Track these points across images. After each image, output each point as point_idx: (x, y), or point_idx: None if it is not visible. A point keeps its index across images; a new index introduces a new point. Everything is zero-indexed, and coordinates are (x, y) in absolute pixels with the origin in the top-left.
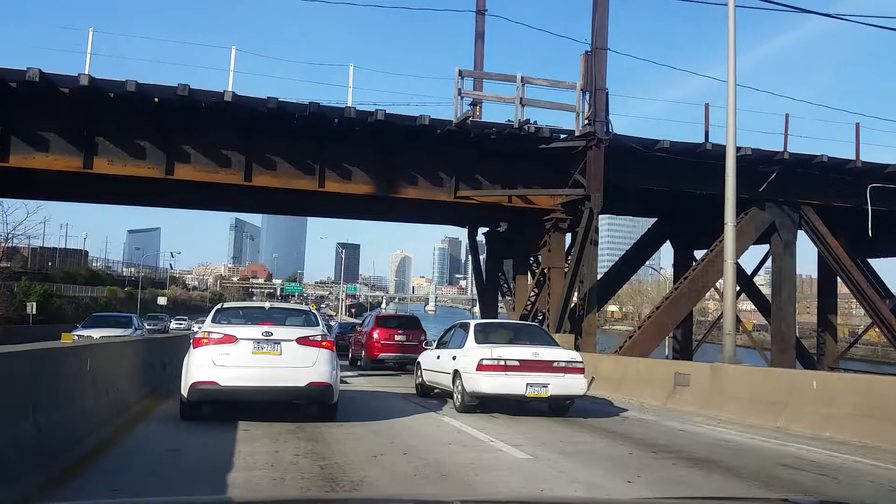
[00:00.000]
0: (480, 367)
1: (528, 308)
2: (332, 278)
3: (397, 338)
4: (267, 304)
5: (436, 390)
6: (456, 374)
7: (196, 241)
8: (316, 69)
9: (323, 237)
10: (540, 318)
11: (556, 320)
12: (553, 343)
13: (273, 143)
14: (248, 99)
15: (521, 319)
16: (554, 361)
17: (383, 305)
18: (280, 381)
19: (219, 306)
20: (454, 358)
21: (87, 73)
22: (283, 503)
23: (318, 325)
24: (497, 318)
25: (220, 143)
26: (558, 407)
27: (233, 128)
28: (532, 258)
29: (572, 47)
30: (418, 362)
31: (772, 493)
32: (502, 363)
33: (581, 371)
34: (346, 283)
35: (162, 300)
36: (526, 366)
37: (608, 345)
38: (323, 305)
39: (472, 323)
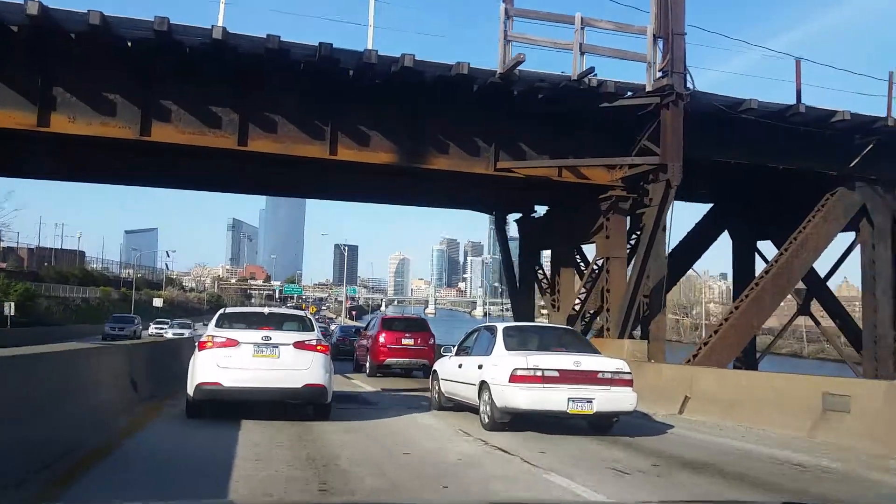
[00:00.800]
0: (514, 379)
1: (576, 308)
2: (331, 280)
3: (405, 342)
4: (266, 310)
5: (455, 402)
6: (483, 385)
7: (193, 242)
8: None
9: (324, 234)
10: (587, 319)
11: (619, 322)
12: (593, 350)
13: (274, 99)
14: (243, 38)
15: (567, 321)
16: (599, 372)
17: (382, 307)
18: (278, 382)
19: (221, 312)
20: (480, 367)
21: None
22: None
23: (314, 330)
24: (534, 320)
25: (209, 97)
26: (600, 425)
27: (224, 79)
28: (576, 250)
29: None
30: (435, 371)
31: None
32: (539, 374)
33: (629, 383)
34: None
35: (157, 302)
36: (567, 377)
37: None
38: (323, 308)
39: (500, 326)
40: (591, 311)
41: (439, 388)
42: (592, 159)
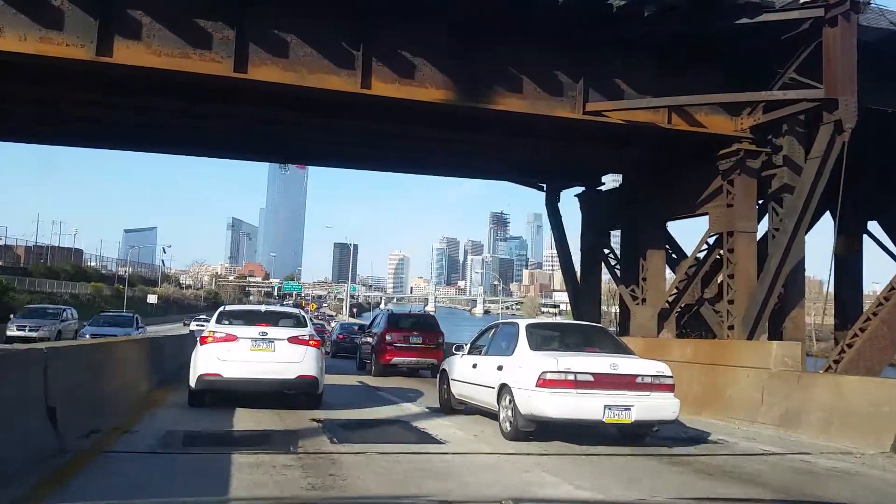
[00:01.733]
0: (542, 383)
1: (670, 300)
2: (330, 278)
3: (413, 340)
4: (263, 308)
5: (468, 405)
6: (504, 389)
7: (193, 242)
8: None
9: (329, 226)
10: (679, 312)
11: (751, 318)
12: (627, 350)
13: (285, 11)
14: None
15: (658, 317)
16: (638, 376)
17: (382, 305)
18: (274, 373)
19: (221, 309)
20: (500, 368)
21: None
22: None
23: (307, 326)
24: (600, 318)
25: (194, 4)
26: (635, 434)
27: None
28: (663, 228)
29: None
30: (443, 370)
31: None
32: (572, 378)
33: (671, 388)
34: (346, 283)
35: (152, 298)
36: (602, 381)
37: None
38: (323, 305)
39: (522, 323)
40: (688, 303)
41: (449, 389)
42: (719, 95)
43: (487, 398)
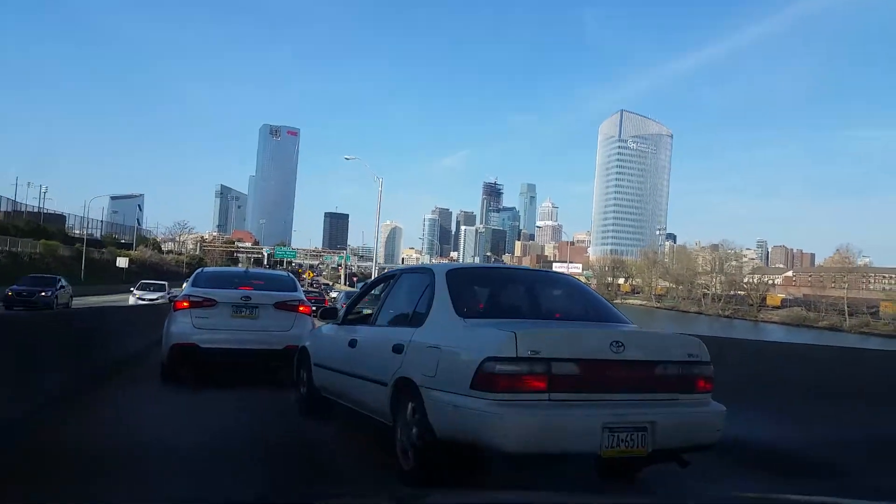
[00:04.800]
0: (486, 381)
1: None
2: (320, 248)
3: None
4: (246, 269)
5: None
6: (405, 390)
7: (180, 209)
8: None
9: (349, 157)
10: None
11: None
12: (617, 314)
13: None
14: None
15: None
16: (657, 364)
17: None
18: (258, 343)
19: (199, 270)
20: (397, 349)
21: None
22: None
23: (297, 290)
24: None
25: None
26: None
27: None
28: None
29: None
30: (304, 351)
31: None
32: (542, 371)
33: (710, 384)
34: (336, 252)
35: (122, 262)
36: (597, 377)
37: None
38: (322, 273)
39: (440, 269)
40: None
41: (309, 379)
42: None
43: (374, 402)
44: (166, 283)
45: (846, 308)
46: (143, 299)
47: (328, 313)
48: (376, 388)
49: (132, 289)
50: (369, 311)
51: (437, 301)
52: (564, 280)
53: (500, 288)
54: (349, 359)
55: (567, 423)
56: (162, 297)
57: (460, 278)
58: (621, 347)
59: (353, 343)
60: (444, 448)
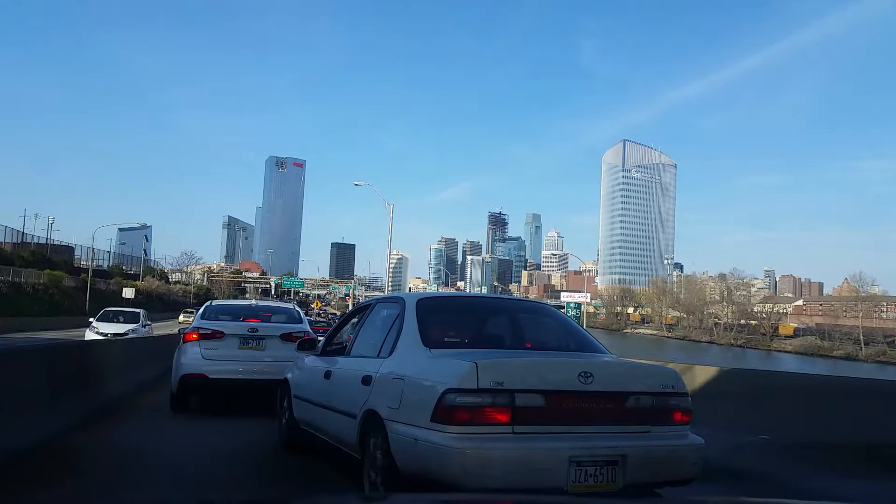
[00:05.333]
0: (446, 414)
1: None
2: (327, 278)
3: None
4: (253, 302)
5: (320, 438)
6: (370, 423)
7: (188, 240)
8: None
9: (358, 183)
10: None
11: None
12: (593, 343)
13: None
14: None
15: None
16: (628, 395)
17: None
18: (265, 374)
19: (208, 304)
20: (366, 381)
21: None
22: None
23: (302, 321)
24: None
25: None
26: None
27: None
28: None
29: None
30: (286, 382)
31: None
32: (506, 402)
33: (688, 416)
34: (344, 282)
35: (128, 292)
36: (564, 408)
37: (639, 352)
38: (330, 303)
39: (411, 299)
40: None
41: (290, 410)
42: None
43: (345, 435)
44: (141, 311)
45: (861, 337)
46: (105, 333)
47: (305, 345)
48: (347, 420)
49: (91, 320)
50: (339, 342)
51: (405, 331)
52: (541, 309)
53: (471, 318)
54: (324, 391)
55: (531, 457)
56: (134, 329)
57: (430, 308)
58: (590, 378)
59: (328, 375)
60: (407, 483)
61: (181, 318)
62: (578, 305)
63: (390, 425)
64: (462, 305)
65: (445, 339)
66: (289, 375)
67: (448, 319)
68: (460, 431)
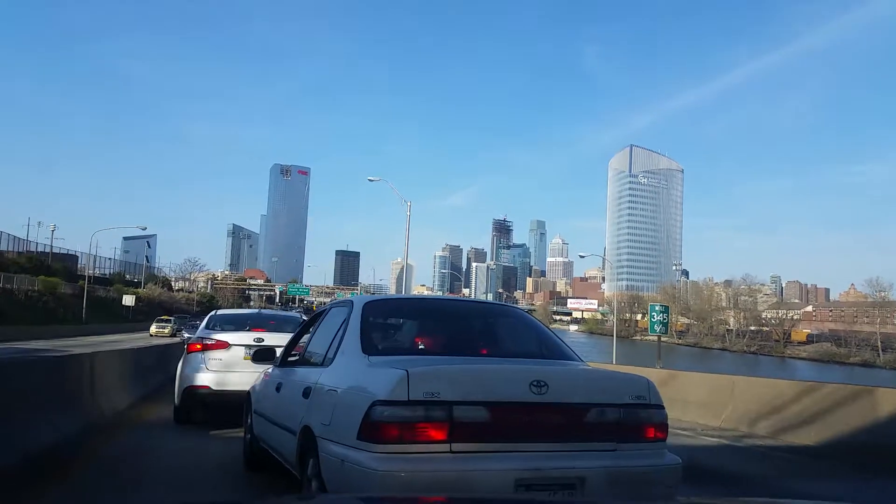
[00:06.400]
0: (371, 430)
1: None
2: (332, 286)
3: None
4: (258, 311)
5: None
6: (307, 442)
7: (192, 249)
8: None
9: (373, 179)
10: None
11: None
12: (563, 351)
13: None
14: None
15: None
16: (590, 407)
17: None
18: None
19: (212, 313)
20: (306, 394)
21: None
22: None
23: None
24: None
25: None
26: None
27: None
28: None
29: None
30: (249, 394)
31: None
32: (442, 416)
33: (662, 431)
34: (349, 289)
35: (129, 300)
36: (511, 423)
37: (640, 359)
38: None
39: (359, 302)
40: None
41: (251, 426)
42: None
43: (289, 454)
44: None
45: (879, 343)
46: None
47: (261, 355)
48: (289, 437)
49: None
50: (297, 350)
51: (346, 338)
52: (507, 312)
53: (424, 322)
54: (274, 405)
55: (470, 480)
56: None
57: (378, 311)
58: (544, 388)
59: (279, 387)
60: None
61: (153, 328)
62: (665, 309)
63: (321, 444)
64: (416, 308)
65: (388, 346)
66: (250, 388)
67: (396, 324)
68: (387, 451)
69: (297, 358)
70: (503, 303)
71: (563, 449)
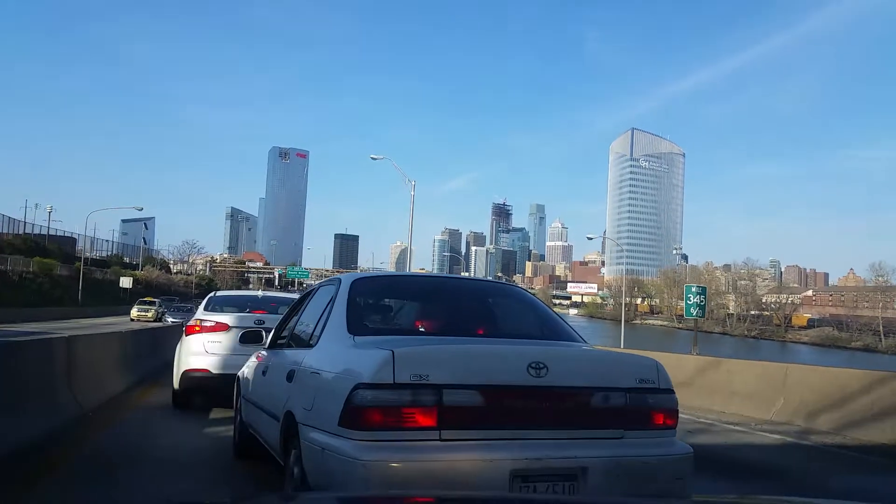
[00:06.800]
0: (354, 416)
1: None
2: (331, 269)
3: None
4: (259, 293)
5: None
6: (289, 428)
7: (191, 232)
8: None
9: (375, 157)
10: None
11: None
12: (565, 331)
13: None
14: None
15: None
16: (592, 391)
17: None
18: None
19: (211, 294)
20: (290, 377)
21: None
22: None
23: None
24: None
25: None
26: None
27: None
28: None
29: None
30: (238, 379)
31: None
32: (431, 401)
33: (672, 418)
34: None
35: (126, 282)
36: (507, 408)
37: (648, 342)
38: None
39: (347, 279)
40: None
41: (241, 412)
42: None
43: (274, 441)
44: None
45: (881, 328)
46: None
47: (248, 338)
48: (274, 423)
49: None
50: (288, 328)
51: (332, 317)
52: (506, 291)
53: (415, 300)
54: (260, 389)
55: (461, 470)
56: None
57: (366, 289)
58: (543, 370)
59: (265, 371)
60: None
61: (134, 311)
62: (702, 290)
63: (303, 430)
64: (408, 287)
65: (376, 326)
66: (240, 373)
67: (386, 302)
68: (370, 438)
69: (284, 340)
70: (502, 281)
71: (563, 437)
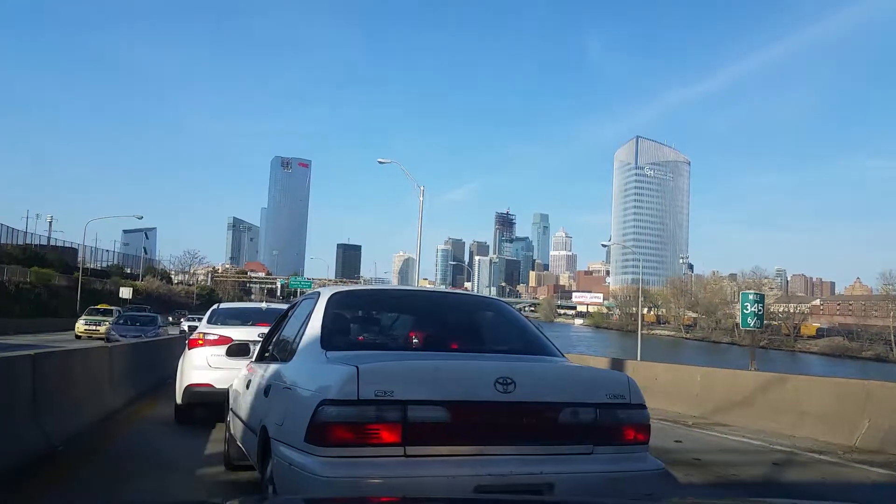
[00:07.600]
0: (319, 433)
1: None
2: (333, 279)
3: None
4: (263, 306)
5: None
6: (265, 443)
7: (193, 242)
8: None
9: (382, 161)
10: None
11: None
12: (542, 345)
13: None
14: None
15: None
16: (562, 406)
17: None
18: None
19: (215, 307)
20: (266, 390)
21: None
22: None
23: None
24: None
25: None
26: None
27: None
28: None
29: None
30: (227, 393)
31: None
32: (396, 417)
33: (644, 433)
34: (352, 282)
35: (125, 292)
36: (473, 423)
37: (657, 354)
38: None
39: (325, 293)
40: None
41: (230, 427)
42: None
43: (254, 455)
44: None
45: (893, 337)
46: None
47: (234, 350)
48: (253, 437)
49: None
50: (273, 342)
51: (307, 331)
52: (485, 305)
53: (392, 315)
54: (243, 403)
55: (425, 486)
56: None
57: (343, 303)
58: (511, 386)
59: (248, 384)
60: None
61: (80, 325)
62: (760, 298)
63: (274, 446)
64: (386, 301)
65: (349, 341)
66: (230, 385)
67: (363, 317)
68: (334, 454)
69: (269, 353)
70: (483, 295)
71: (530, 452)
